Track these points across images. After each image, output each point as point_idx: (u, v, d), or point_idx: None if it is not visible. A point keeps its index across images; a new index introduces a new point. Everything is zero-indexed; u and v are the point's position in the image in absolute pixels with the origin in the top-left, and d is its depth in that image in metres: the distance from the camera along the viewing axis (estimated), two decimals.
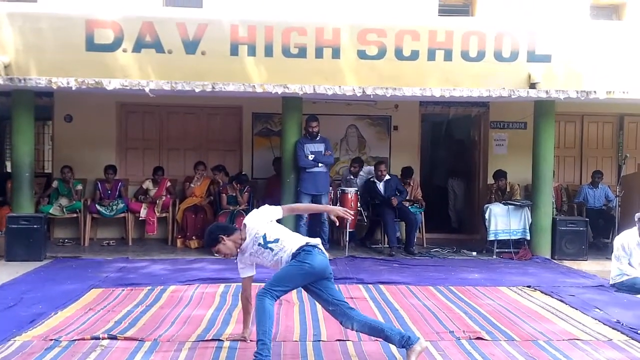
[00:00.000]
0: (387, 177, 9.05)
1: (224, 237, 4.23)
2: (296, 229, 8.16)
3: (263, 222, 4.28)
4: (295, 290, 6.15)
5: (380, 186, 8.99)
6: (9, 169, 8.49)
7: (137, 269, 7.23)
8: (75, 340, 4.46)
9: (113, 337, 4.52)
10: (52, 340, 4.45)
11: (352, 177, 9.47)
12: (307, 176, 8.17)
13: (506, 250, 8.63)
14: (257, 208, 9.16)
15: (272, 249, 4.18)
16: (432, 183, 11.83)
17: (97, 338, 4.50)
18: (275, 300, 4.03)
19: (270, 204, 9.10)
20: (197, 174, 9.37)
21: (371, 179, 9.09)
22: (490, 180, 9.83)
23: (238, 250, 4.29)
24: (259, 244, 4.21)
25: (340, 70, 8.12)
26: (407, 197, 9.31)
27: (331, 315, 4.19)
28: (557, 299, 6.05)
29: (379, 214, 9.00)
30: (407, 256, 8.57)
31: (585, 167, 10.77)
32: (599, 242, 9.71)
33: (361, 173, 9.45)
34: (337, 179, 9.90)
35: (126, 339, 4.52)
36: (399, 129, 10.33)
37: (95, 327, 4.82)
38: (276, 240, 4.18)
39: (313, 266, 4.02)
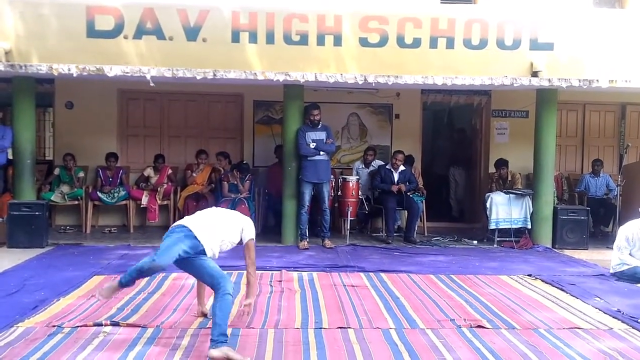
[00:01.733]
0: (402, 167, 9.08)
1: None
2: (297, 216, 8.23)
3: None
4: (296, 278, 6.24)
5: (396, 175, 9.00)
6: (9, 156, 8.45)
7: (138, 256, 7.19)
8: (78, 326, 4.49)
9: (115, 324, 4.54)
10: (54, 326, 4.47)
11: (363, 166, 9.48)
12: (309, 164, 8.17)
13: (507, 239, 8.64)
14: (258, 195, 9.23)
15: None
16: (433, 171, 11.83)
17: (100, 324, 4.52)
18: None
19: (272, 192, 9.16)
20: (199, 162, 9.37)
21: (387, 167, 9.11)
22: (492, 169, 9.83)
23: None
24: None
25: (341, 58, 8.09)
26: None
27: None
28: (558, 288, 6.07)
29: (382, 201, 9.01)
30: (408, 245, 8.59)
31: (586, 156, 10.76)
32: (599, 231, 9.72)
33: (373, 164, 9.48)
34: (338, 167, 9.90)
35: (129, 325, 4.54)
36: (401, 117, 10.31)
37: (98, 313, 4.84)
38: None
39: None
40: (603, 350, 4.22)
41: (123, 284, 4.11)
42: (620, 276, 6.52)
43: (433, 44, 8.16)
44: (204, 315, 4.84)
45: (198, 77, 7.67)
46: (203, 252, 4.22)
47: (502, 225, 8.71)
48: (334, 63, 8.04)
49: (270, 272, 6.51)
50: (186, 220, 4.37)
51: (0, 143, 7.94)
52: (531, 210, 8.68)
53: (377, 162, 9.58)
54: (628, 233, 6.57)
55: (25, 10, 7.76)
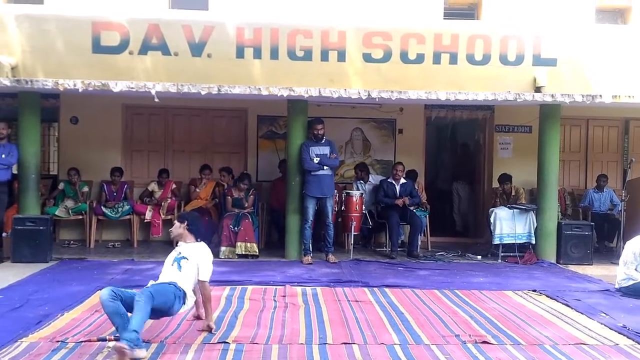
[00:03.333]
0: (404, 180, 9.08)
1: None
2: (301, 231, 8.23)
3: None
4: (300, 293, 6.24)
5: (397, 187, 9.01)
6: (14, 171, 8.48)
7: (142, 270, 7.23)
8: (82, 341, 4.49)
9: (119, 339, 4.53)
10: (58, 341, 4.47)
11: (361, 181, 9.50)
12: (313, 179, 8.17)
13: (511, 254, 8.62)
14: (262, 210, 9.22)
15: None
16: (436, 186, 11.83)
17: (104, 340, 4.51)
18: None
19: (276, 207, 9.24)
20: (203, 177, 9.39)
21: (389, 180, 9.11)
22: (495, 184, 9.83)
23: None
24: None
25: (345, 73, 8.11)
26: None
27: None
28: (563, 303, 6.04)
29: (385, 216, 9.01)
30: (411, 260, 8.57)
31: (590, 171, 10.76)
32: (603, 247, 9.69)
33: (371, 180, 9.50)
34: (341, 182, 9.90)
35: None
36: (404, 132, 10.33)
37: (102, 328, 4.83)
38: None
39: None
40: None
41: (126, 341, 4.12)
42: (626, 291, 6.49)
43: (436, 59, 8.18)
44: (210, 329, 4.83)
45: (203, 93, 7.71)
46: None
47: (506, 240, 8.69)
48: (337, 78, 8.06)
49: (274, 287, 6.50)
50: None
51: (7, 159, 7.95)
52: (535, 226, 8.66)
53: (378, 177, 9.60)
54: (635, 248, 6.54)
55: (31, 26, 7.81)
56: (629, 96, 8.14)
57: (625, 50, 8.39)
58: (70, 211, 9.14)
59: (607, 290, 6.73)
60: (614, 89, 8.20)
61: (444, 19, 10.07)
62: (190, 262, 4.78)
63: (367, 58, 8.14)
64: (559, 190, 9.70)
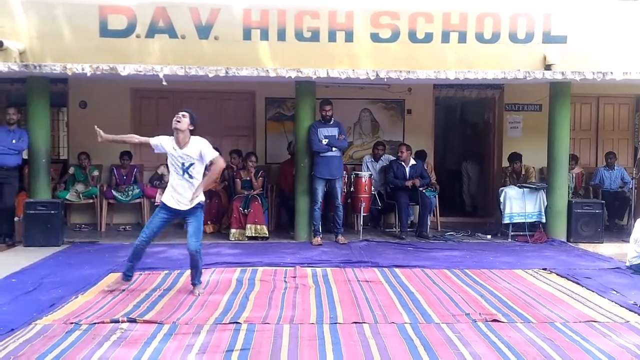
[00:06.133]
0: (413, 161, 9.06)
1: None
2: (310, 213, 8.24)
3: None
4: (310, 274, 6.27)
5: (407, 169, 9.00)
6: (24, 156, 8.53)
7: (154, 253, 7.26)
8: (95, 323, 4.53)
9: (132, 320, 4.58)
10: (72, 323, 4.52)
11: (373, 160, 9.49)
12: (321, 160, 8.17)
13: (521, 233, 8.60)
14: (271, 192, 9.24)
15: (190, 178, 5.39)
16: (446, 166, 11.80)
17: (117, 321, 4.56)
18: None
19: (285, 189, 9.31)
20: None
21: (398, 161, 9.09)
22: (505, 163, 9.79)
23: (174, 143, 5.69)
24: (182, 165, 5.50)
25: (353, 54, 8.06)
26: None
27: None
28: (574, 282, 6.04)
29: (394, 197, 9.00)
30: (421, 240, 8.57)
31: (601, 149, 10.68)
32: (614, 225, 9.65)
33: (383, 158, 9.50)
34: (350, 163, 9.89)
35: (145, 322, 4.58)
36: (413, 113, 10.28)
37: (115, 310, 4.88)
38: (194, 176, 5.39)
39: None
40: (623, 345, 4.20)
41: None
42: (637, 269, 6.47)
43: (445, 38, 8.11)
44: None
45: (210, 75, 7.69)
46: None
47: (516, 220, 8.67)
48: (345, 59, 8.02)
49: (285, 268, 6.54)
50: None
51: (18, 145, 7.98)
52: (545, 204, 8.63)
53: (389, 157, 9.58)
54: None
55: (38, 11, 7.79)
56: None
57: (636, 26, 8.27)
58: (81, 195, 9.21)
59: (617, 268, 6.72)
60: (625, 66, 8.11)
61: None
62: (198, 163, 5.41)
63: (375, 38, 8.08)
64: (578, 173, 9.70)
